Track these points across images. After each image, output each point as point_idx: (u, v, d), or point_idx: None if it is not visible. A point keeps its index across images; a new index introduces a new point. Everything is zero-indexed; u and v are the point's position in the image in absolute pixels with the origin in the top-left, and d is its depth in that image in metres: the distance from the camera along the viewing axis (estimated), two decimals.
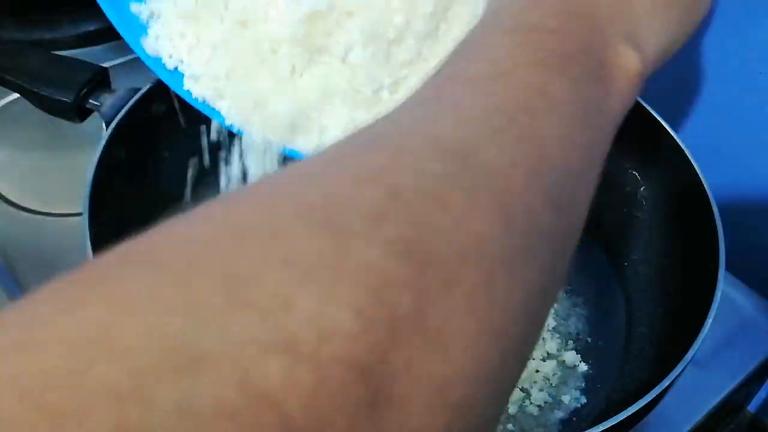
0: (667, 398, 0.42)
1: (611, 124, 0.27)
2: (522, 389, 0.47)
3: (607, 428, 0.38)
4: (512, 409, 0.46)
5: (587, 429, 0.38)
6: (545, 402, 0.48)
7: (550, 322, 0.51)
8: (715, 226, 0.46)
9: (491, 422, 0.20)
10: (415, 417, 0.16)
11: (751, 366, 0.53)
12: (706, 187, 0.49)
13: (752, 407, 0.62)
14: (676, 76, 0.61)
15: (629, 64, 0.28)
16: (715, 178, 0.49)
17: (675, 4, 0.31)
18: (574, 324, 0.52)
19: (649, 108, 0.53)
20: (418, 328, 0.16)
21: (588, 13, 0.27)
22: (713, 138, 0.59)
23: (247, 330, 0.14)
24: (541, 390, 0.48)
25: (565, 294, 0.53)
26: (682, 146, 0.51)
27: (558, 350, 0.50)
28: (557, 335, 0.51)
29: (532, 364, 0.49)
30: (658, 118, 0.53)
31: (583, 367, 0.50)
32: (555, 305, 0.52)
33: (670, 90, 0.62)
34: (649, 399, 0.39)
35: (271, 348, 0.14)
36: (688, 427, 0.50)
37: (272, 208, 0.17)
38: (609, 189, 0.58)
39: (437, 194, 0.18)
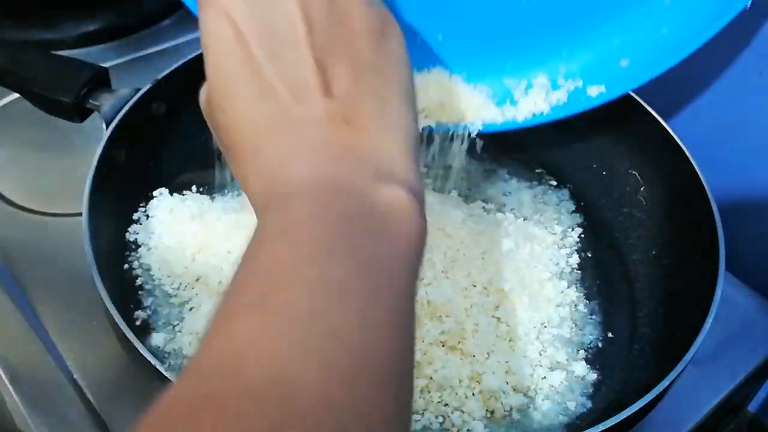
0: (667, 398, 0.42)
1: (407, 271, 0.27)
2: (526, 395, 0.47)
3: (607, 428, 0.38)
4: (516, 415, 0.46)
5: (588, 429, 0.38)
6: (549, 408, 0.47)
7: (565, 332, 0.50)
8: (715, 226, 0.46)
9: None
10: None
11: (751, 366, 0.53)
12: (706, 187, 0.49)
13: (752, 407, 0.62)
14: (677, 77, 0.61)
15: (389, 194, 0.28)
16: (715, 178, 0.49)
17: (399, 106, 0.31)
18: (590, 332, 0.51)
19: (649, 108, 0.53)
20: None
21: (336, 178, 0.27)
22: (713, 138, 0.59)
23: None
24: (546, 398, 0.47)
25: (585, 302, 0.53)
26: (682, 146, 0.51)
27: (567, 360, 0.49)
28: (570, 345, 0.50)
29: (539, 372, 0.48)
30: (658, 119, 0.53)
31: (592, 375, 0.49)
32: (573, 315, 0.52)
33: (670, 90, 0.62)
34: (649, 399, 0.39)
35: None
36: (688, 427, 0.50)
37: None
38: (609, 189, 0.59)
39: None
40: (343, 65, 0.30)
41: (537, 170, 0.61)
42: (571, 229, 0.57)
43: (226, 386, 0.21)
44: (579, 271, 0.55)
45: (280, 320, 0.23)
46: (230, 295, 0.25)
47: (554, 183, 0.60)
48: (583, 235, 0.57)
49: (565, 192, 0.59)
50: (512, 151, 0.60)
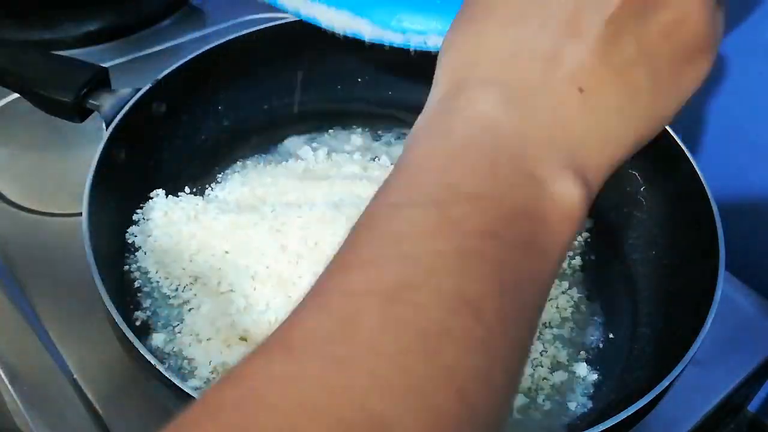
0: (667, 398, 0.42)
1: (550, 271, 0.24)
2: (526, 396, 0.47)
3: (607, 428, 0.38)
4: (517, 415, 0.46)
5: (588, 429, 0.38)
6: (550, 409, 0.47)
7: (565, 332, 0.50)
8: (715, 226, 0.46)
9: None
10: None
11: (751, 366, 0.53)
12: (706, 187, 0.49)
13: (752, 407, 0.62)
14: None
15: (569, 199, 0.24)
16: (715, 178, 0.49)
17: (643, 121, 0.26)
18: (591, 332, 0.51)
19: None
20: None
21: (513, 153, 0.24)
22: (713, 138, 0.59)
23: None
24: (547, 399, 0.47)
25: (587, 303, 0.53)
26: (682, 146, 0.51)
27: (568, 360, 0.49)
28: (570, 345, 0.50)
29: (540, 372, 0.48)
30: None
31: (593, 376, 0.49)
32: (574, 316, 0.52)
33: None
34: (649, 399, 0.39)
35: None
36: (688, 427, 0.50)
37: None
38: (609, 189, 0.58)
39: None
40: (634, 47, 0.25)
41: None
42: (578, 233, 0.57)
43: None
44: (581, 273, 0.55)
45: (399, 327, 0.20)
46: (355, 246, 0.22)
47: None
48: (589, 239, 0.57)
49: None
50: None
